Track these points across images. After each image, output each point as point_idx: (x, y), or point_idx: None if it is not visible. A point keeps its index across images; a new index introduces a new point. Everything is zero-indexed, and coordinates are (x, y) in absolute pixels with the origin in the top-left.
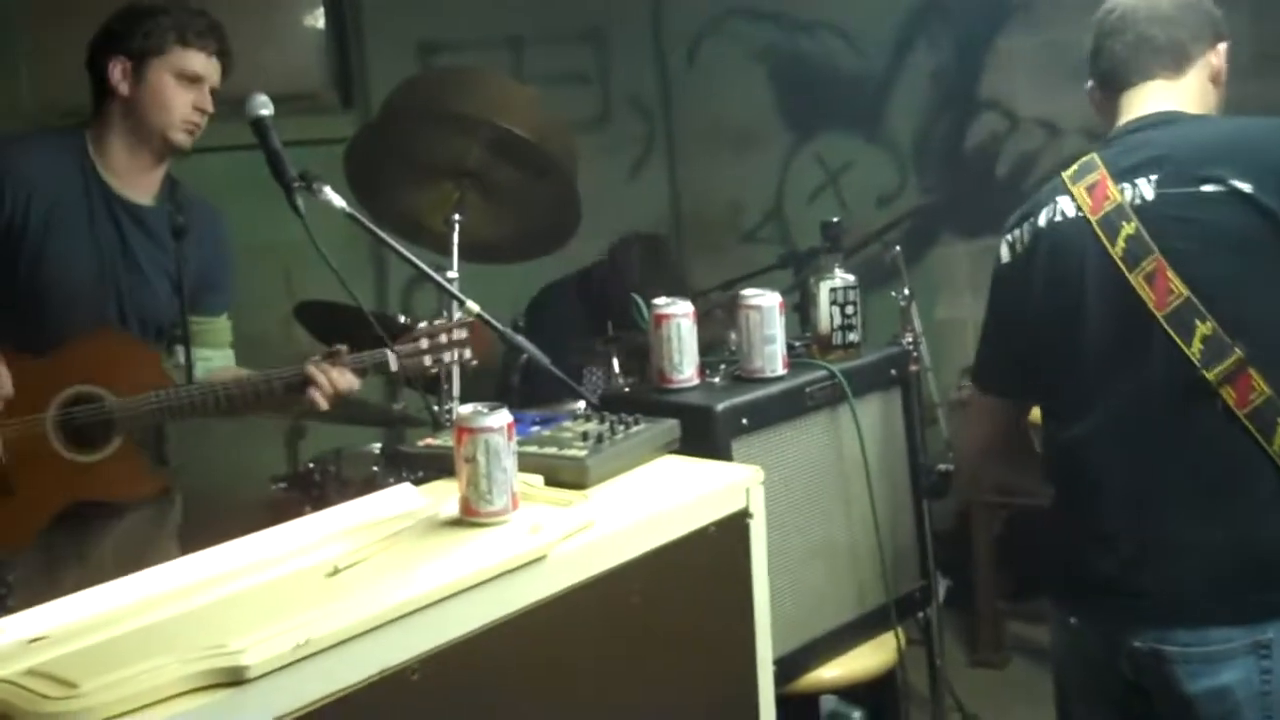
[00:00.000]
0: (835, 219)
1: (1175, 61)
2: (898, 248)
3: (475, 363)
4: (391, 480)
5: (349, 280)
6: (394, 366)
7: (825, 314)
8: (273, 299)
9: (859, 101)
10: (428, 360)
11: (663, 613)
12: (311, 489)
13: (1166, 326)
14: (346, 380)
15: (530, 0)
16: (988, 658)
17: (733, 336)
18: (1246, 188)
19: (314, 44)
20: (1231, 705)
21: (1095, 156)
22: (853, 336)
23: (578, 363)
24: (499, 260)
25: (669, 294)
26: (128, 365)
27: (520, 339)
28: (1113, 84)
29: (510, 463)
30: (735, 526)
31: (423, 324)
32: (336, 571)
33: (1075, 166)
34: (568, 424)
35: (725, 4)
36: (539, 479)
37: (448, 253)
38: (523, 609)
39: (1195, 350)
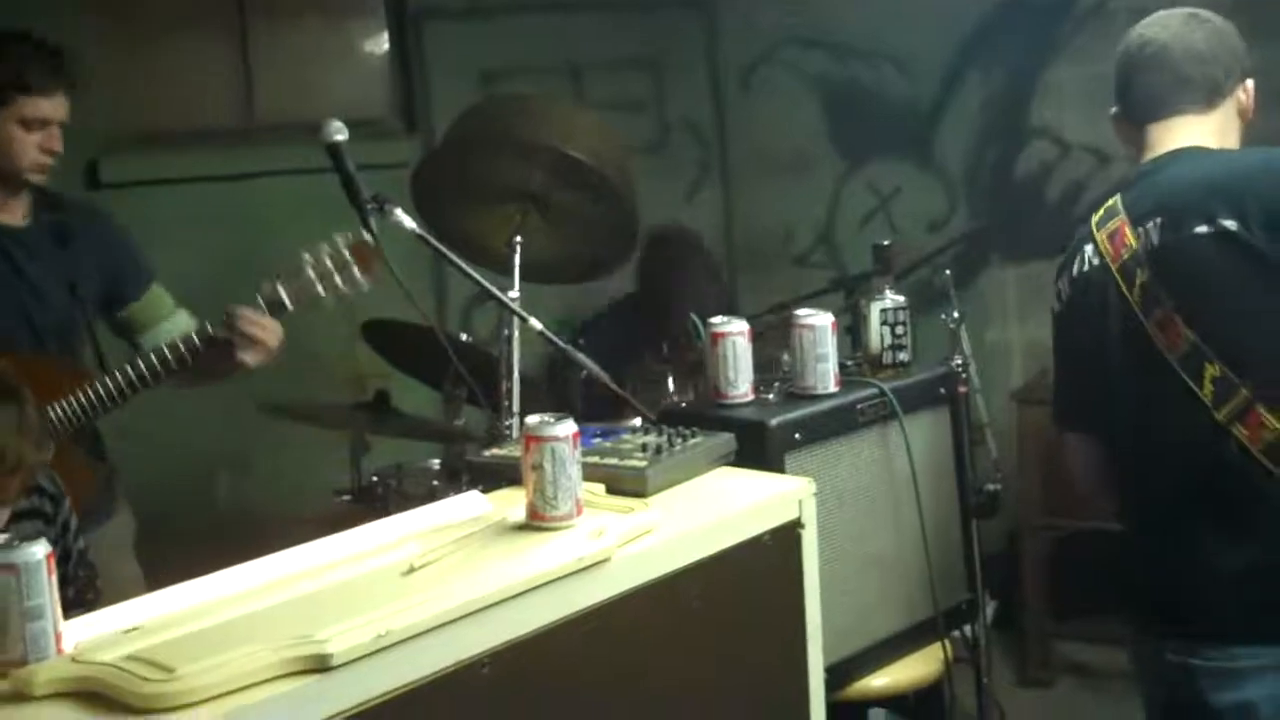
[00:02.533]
0: (886, 241)
1: (1207, 97)
2: (948, 271)
3: (367, 286)
4: (453, 492)
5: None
6: (289, 303)
7: (876, 334)
8: (333, 318)
9: (910, 129)
10: (319, 288)
11: (719, 617)
12: (375, 502)
13: (1180, 371)
14: (271, 324)
15: (588, 28)
16: (1036, 677)
17: (785, 357)
18: (1232, 225)
19: (378, 70)
20: None
21: (1118, 200)
22: (903, 356)
23: (633, 381)
24: (559, 281)
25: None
26: (39, 380)
27: (581, 356)
28: (1142, 116)
29: (575, 470)
30: (788, 536)
31: (306, 254)
32: (412, 570)
33: (1101, 211)
34: (627, 436)
35: (778, 32)
36: (601, 488)
37: (509, 273)
38: (587, 609)
39: (1207, 392)
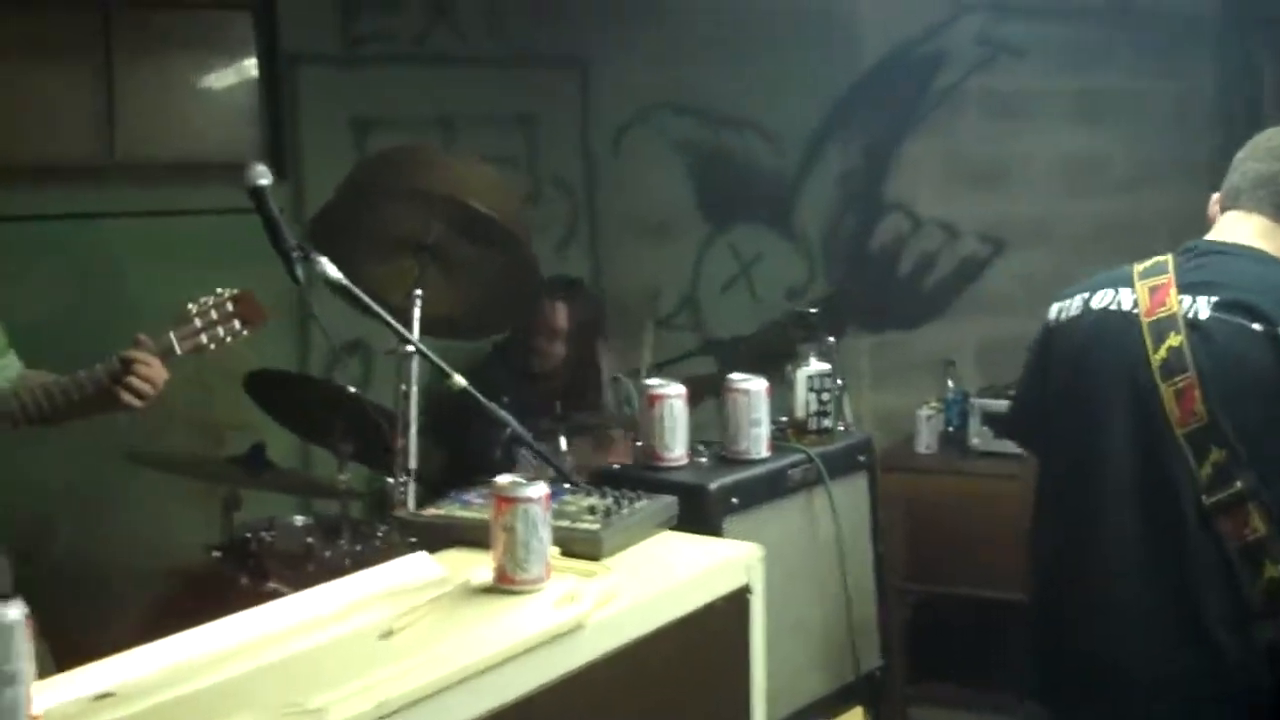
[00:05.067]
0: (812, 309)
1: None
2: (831, 339)
3: (247, 334)
4: (328, 553)
5: (269, 348)
6: (179, 350)
7: (802, 400)
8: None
9: (773, 197)
10: (204, 339)
11: (677, 681)
12: (248, 559)
13: (1183, 444)
14: (160, 369)
15: (463, 82)
16: None
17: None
18: None
19: (246, 113)
20: None
21: (1169, 260)
22: (827, 422)
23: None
24: (459, 335)
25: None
26: None
27: (507, 415)
28: (1228, 201)
29: (546, 533)
30: (739, 601)
31: (191, 304)
32: (391, 634)
33: (1149, 263)
34: (568, 498)
35: (650, 96)
36: (555, 550)
37: (409, 327)
38: (565, 674)
39: (1204, 474)
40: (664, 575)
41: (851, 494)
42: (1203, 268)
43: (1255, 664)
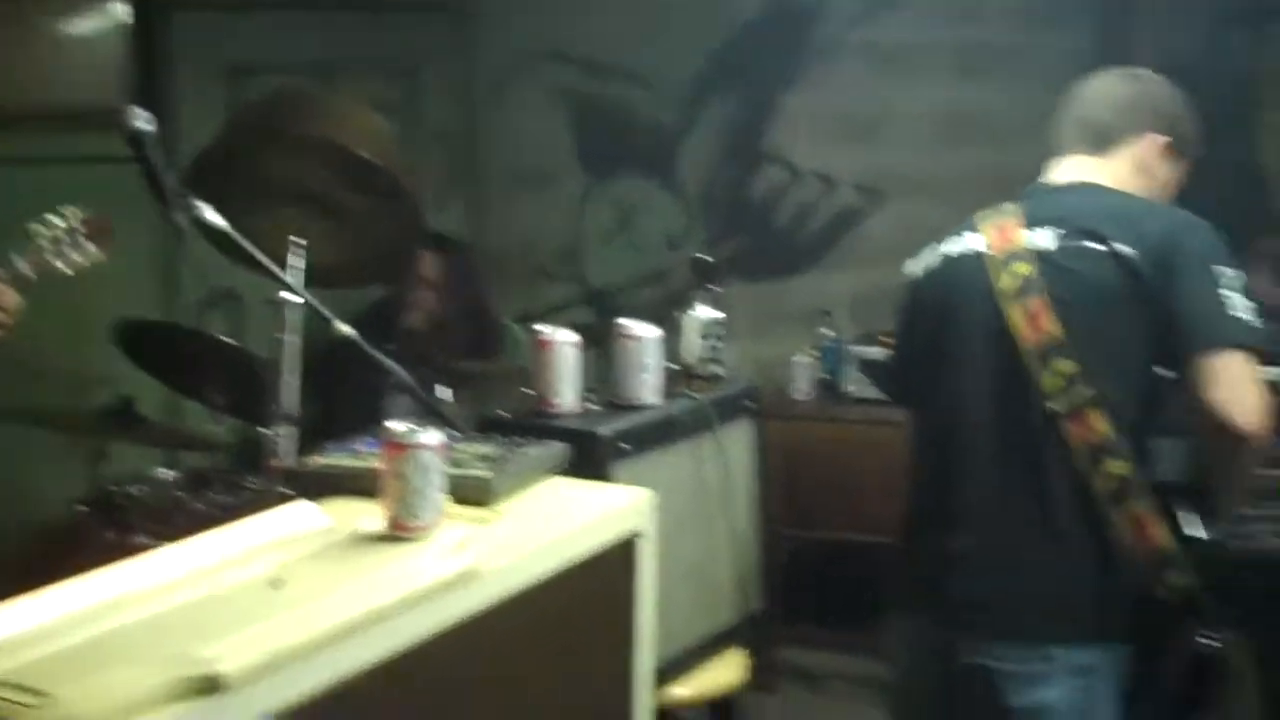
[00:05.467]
0: (706, 256)
1: (1100, 140)
2: (719, 288)
3: (105, 257)
4: (198, 506)
5: (141, 298)
6: (28, 272)
7: (693, 346)
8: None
9: (653, 147)
10: (53, 260)
11: (567, 626)
12: (114, 513)
13: (1031, 360)
14: (13, 295)
15: (342, 28)
16: (764, 683)
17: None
18: (1128, 251)
19: (117, 58)
20: None
21: (1011, 205)
22: (717, 369)
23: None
24: (341, 285)
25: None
26: None
27: (392, 364)
28: (1054, 151)
29: (440, 480)
30: (629, 546)
31: (36, 226)
32: (281, 583)
33: (991, 210)
34: (459, 445)
35: (533, 45)
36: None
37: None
38: (459, 621)
39: (1051, 385)
40: (556, 521)
41: (738, 440)
42: (1041, 206)
43: (1103, 555)
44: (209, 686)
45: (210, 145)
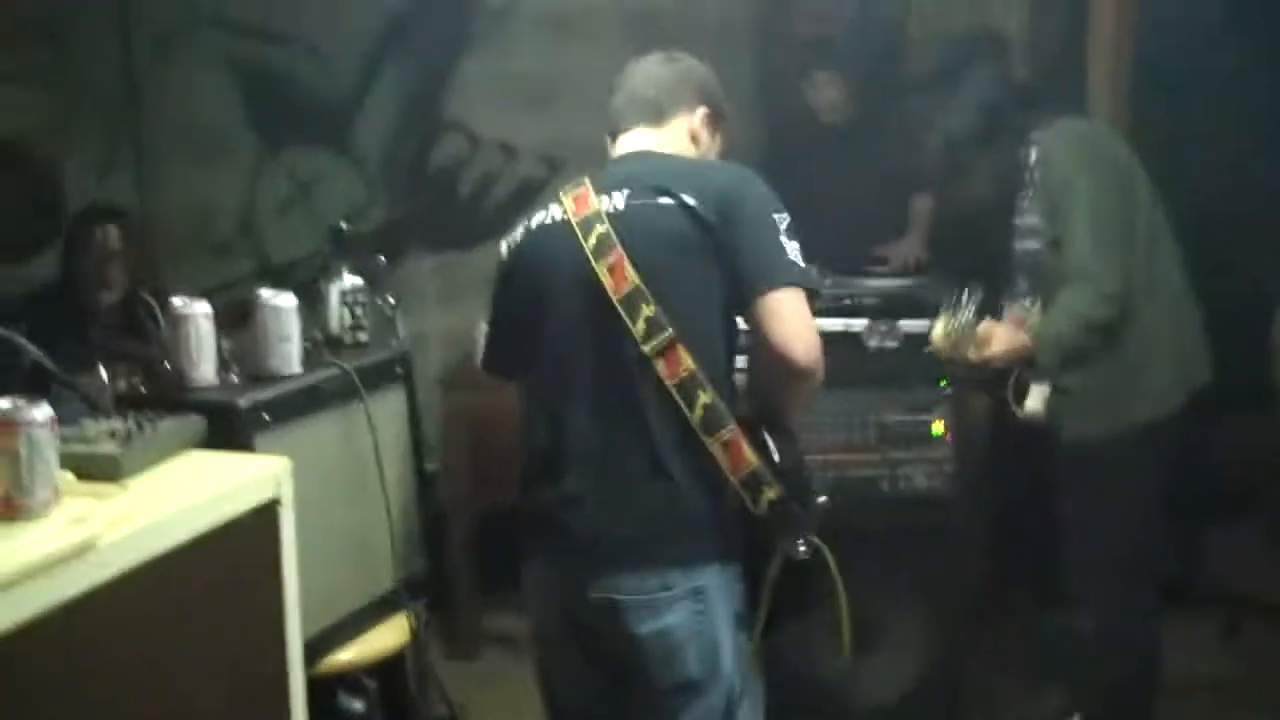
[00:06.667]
0: (343, 224)
1: (655, 115)
2: (383, 258)
3: None
4: None
5: None
6: None
7: (336, 314)
8: None
9: (328, 116)
10: None
11: (205, 597)
12: None
13: (620, 309)
14: None
15: None
16: (464, 651)
17: (225, 343)
18: (692, 202)
19: None
20: (673, 643)
21: (585, 177)
22: (362, 336)
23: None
24: None
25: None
26: None
27: (23, 341)
28: (613, 130)
29: (53, 456)
30: (268, 515)
31: None
32: None
33: (570, 184)
34: (89, 422)
35: (195, 10)
36: (70, 475)
37: None
38: (76, 597)
39: (639, 329)
40: (187, 492)
41: (390, 406)
42: (611, 175)
43: (704, 480)
44: None
45: None
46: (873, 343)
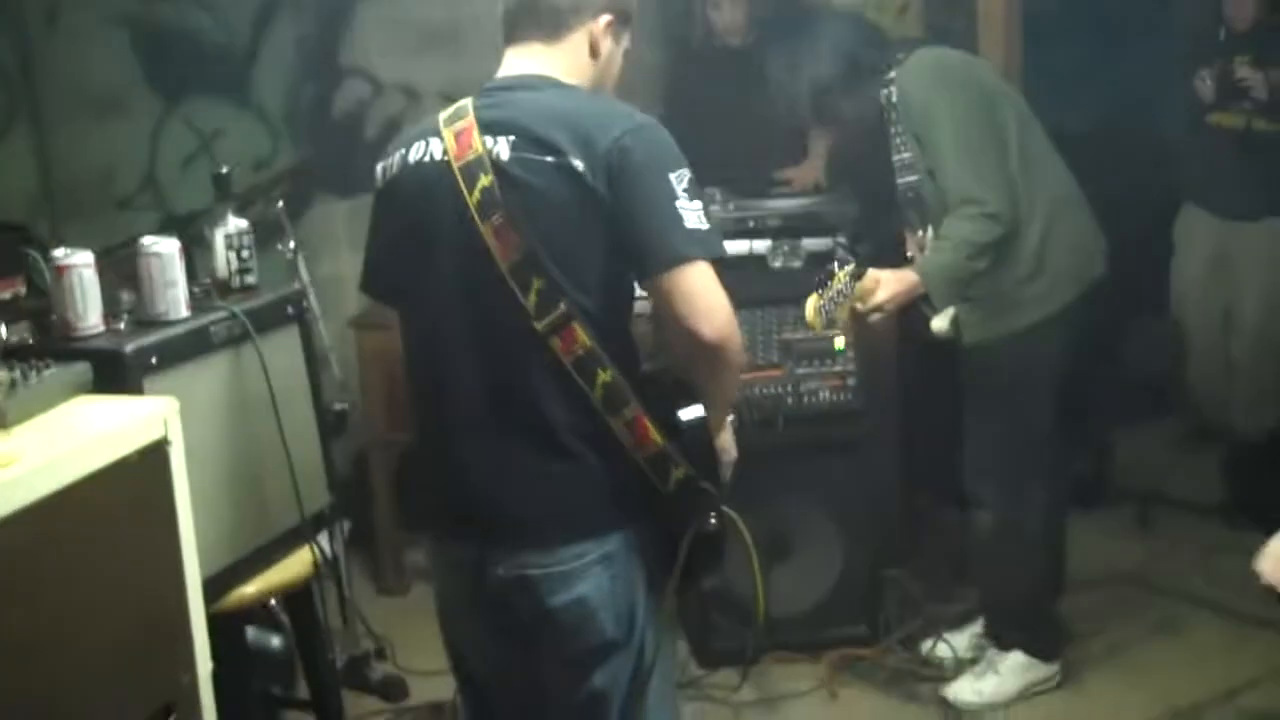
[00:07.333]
0: (224, 169)
1: (553, 28)
2: (280, 204)
3: None
4: None
5: None
6: None
7: (222, 259)
8: None
9: (226, 69)
10: None
11: (95, 542)
12: None
13: (508, 278)
14: None
15: None
16: (391, 586)
17: (125, 295)
18: (580, 167)
19: None
20: (587, 611)
21: (469, 104)
22: (250, 279)
23: None
24: None
25: None
26: None
27: None
28: (504, 40)
29: None
30: (156, 454)
31: None
32: None
33: (451, 110)
34: None
35: None
36: None
37: None
38: None
39: (530, 302)
40: (72, 435)
41: (285, 346)
42: (498, 106)
43: (608, 457)
44: None
45: None
46: (777, 263)
